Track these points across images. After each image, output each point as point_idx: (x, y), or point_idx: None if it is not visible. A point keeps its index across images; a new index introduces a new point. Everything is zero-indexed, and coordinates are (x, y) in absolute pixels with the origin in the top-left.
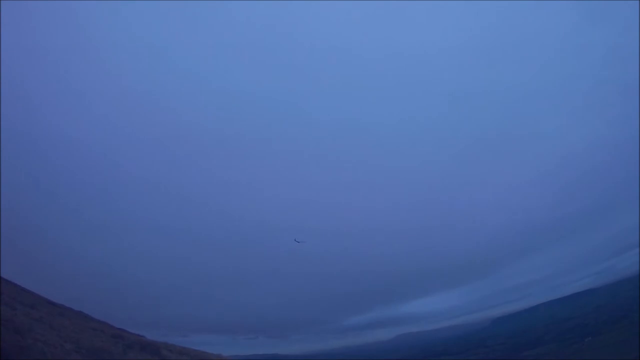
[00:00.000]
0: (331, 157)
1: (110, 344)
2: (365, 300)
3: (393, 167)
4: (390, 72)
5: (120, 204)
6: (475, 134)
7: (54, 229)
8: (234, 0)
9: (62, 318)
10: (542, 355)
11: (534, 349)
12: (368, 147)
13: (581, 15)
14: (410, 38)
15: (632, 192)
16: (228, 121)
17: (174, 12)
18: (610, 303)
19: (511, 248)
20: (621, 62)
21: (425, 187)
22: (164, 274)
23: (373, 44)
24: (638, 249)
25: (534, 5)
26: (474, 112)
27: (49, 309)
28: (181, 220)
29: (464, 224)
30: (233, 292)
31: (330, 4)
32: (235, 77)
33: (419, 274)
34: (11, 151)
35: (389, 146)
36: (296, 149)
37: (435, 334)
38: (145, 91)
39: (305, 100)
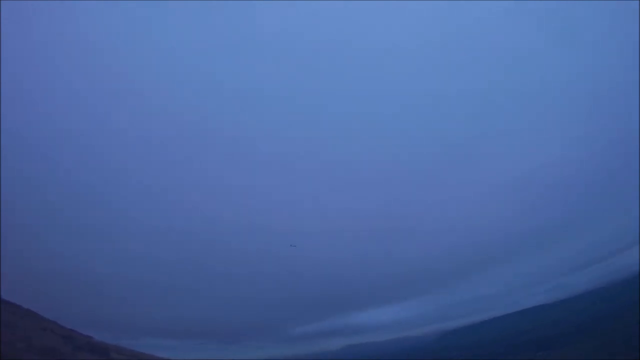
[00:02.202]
0: (288, 159)
1: (60, 344)
2: (316, 308)
3: (350, 175)
4: (359, 74)
5: (73, 202)
6: (437, 147)
7: (5, 226)
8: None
9: (13, 316)
10: None
11: None
12: (325, 152)
13: (549, 36)
14: (376, 44)
15: (590, 211)
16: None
17: (168, 10)
18: (564, 318)
19: (466, 262)
20: (586, 82)
21: (383, 197)
22: (116, 275)
23: (339, 44)
24: (593, 267)
25: (505, 25)
26: (438, 124)
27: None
28: (136, 221)
29: (420, 235)
30: (185, 296)
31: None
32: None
33: (372, 283)
34: None
35: (348, 153)
36: (258, 148)
37: (385, 345)
38: (138, 91)
39: (276, 100)
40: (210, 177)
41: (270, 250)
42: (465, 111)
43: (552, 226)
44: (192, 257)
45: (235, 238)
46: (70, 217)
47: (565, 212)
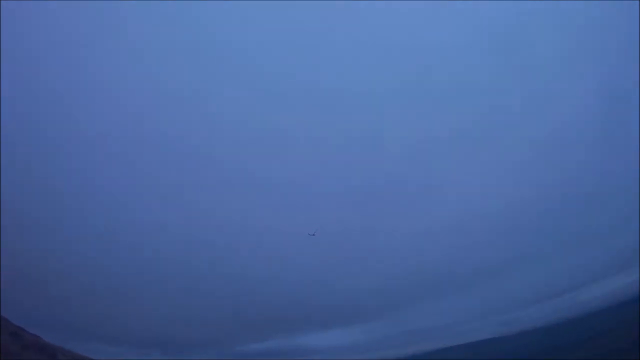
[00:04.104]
0: (239, 176)
1: (8, 342)
2: (266, 327)
3: (306, 198)
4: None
5: (27, 196)
6: (394, 175)
7: None
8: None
9: None
10: None
11: None
12: (279, 172)
13: (505, 68)
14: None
15: (545, 247)
16: None
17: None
18: (512, 353)
19: (419, 290)
20: (539, 118)
21: (339, 222)
22: (70, 276)
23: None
24: (542, 304)
25: (457, 57)
26: (398, 157)
27: None
28: (94, 223)
29: (373, 263)
30: (136, 305)
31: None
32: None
33: (322, 307)
34: None
35: (303, 174)
36: (198, 157)
37: None
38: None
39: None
40: (161, 185)
41: (224, 267)
42: (421, 147)
43: (506, 260)
44: (147, 266)
45: (191, 250)
46: (28, 213)
47: (520, 247)
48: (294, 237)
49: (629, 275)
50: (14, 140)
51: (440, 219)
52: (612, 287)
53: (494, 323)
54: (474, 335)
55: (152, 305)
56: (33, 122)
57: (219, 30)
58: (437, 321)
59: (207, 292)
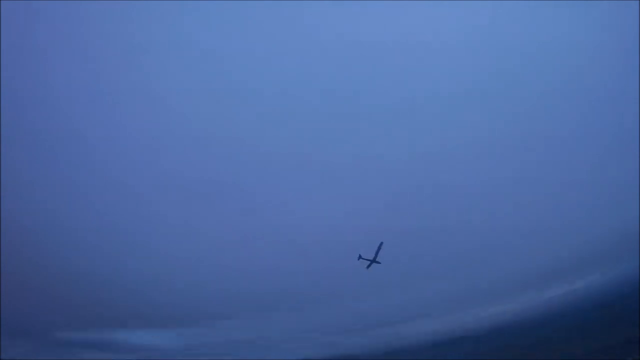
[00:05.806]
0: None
1: None
2: (92, 319)
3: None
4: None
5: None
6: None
7: None
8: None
9: None
10: None
11: None
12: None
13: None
14: None
15: (378, 281)
16: None
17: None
18: None
19: (245, 304)
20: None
21: (182, 224)
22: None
23: None
24: (365, 332)
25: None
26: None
27: None
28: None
29: (211, 269)
30: None
31: None
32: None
33: (144, 305)
34: None
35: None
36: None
37: None
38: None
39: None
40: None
41: (59, 255)
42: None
43: (341, 288)
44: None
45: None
46: None
47: (358, 277)
48: (141, 235)
49: (461, 314)
50: None
51: (283, 237)
52: (440, 323)
53: (311, 345)
54: (289, 354)
55: None
56: None
57: (183, 30)
58: (251, 335)
59: (35, 278)
